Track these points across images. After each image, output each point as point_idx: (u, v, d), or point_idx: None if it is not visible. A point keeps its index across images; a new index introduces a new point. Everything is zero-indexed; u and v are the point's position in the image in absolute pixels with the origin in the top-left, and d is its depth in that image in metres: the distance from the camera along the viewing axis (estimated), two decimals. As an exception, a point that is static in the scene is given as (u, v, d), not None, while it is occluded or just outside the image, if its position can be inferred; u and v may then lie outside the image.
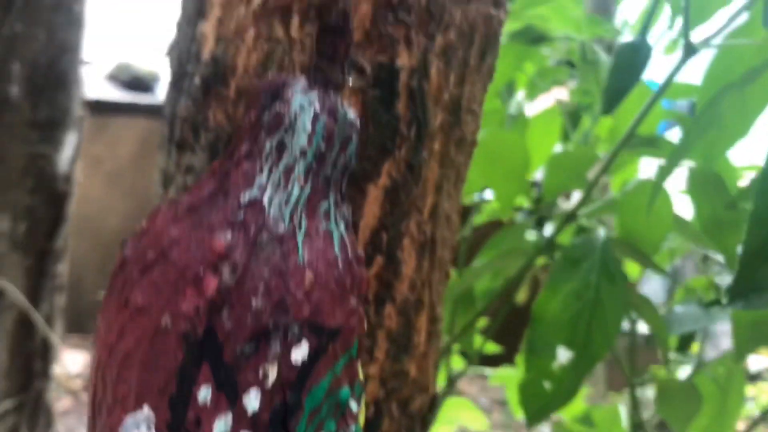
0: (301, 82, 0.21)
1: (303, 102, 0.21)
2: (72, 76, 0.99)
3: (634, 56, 0.51)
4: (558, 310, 0.47)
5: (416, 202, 0.30)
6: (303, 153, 0.21)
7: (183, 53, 0.31)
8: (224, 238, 0.19)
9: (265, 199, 0.20)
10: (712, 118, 0.55)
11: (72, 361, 2.16)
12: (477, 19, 0.30)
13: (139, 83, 2.33)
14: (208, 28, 0.29)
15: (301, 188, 0.20)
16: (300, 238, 0.20)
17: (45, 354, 1.06)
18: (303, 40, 0.27)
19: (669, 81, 0.56)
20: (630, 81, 0.51)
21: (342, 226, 0.21)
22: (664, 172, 0.57)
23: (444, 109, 0.30)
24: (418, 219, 0.30)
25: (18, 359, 1.03)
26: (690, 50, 0.51)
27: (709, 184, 0.60)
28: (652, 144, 0.72)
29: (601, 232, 0.53)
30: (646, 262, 0.63)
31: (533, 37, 0.75)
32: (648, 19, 0.52)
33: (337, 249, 0.21)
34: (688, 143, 0.56)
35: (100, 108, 2.22)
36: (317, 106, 0.21)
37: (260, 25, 0.28)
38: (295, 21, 0.27)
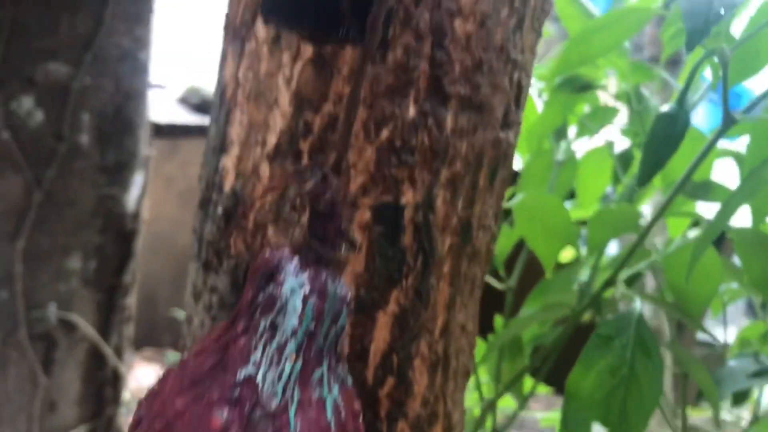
0: (294, 263, 0.23)
1: (294, 285, 0.22)
2: (138, 120, 1.05)
3: (671, 127, 0.50)
4: (592, 387, 0.47)
5: (426, 325, 0.31)
6: (294, 332, 0.22)
7: (210, 181, 0.33)
8: (221, 415, 0.21)
9: (259, 376, 0.22)
10: (758, 183, 0.54)
11: (145, 374, 2.25)
12: (485, 145, 0.31)
13: (208, 106, 2.40)
14: (228, 162, 0.31)
15: (293, 364, 0.22)
16: (292, 411, 0.21)
17: (115, 382, 1.12)
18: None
19: (712, 145, 0.55)
20: (667, 153, 0.51)
21: (336, 390, 0.23)
22: (707, 235, 0.56)
23: (453, 234, 0.31)
24: (429, 339, 0.31)
25: (90, 387, 1.09)
26: (729, 121, 0.50)
27: (758, 244, 0.59)
28: (707, 190, 0.70)
29: (638, 304, 0.53)
30: (695, 323, 0.62)
31: (580, 86, 0.75)
32: (686, 89, 0.51)
33: (330, 414, 0.22)
34: (733, 208, 0.55)
35: (171, 131, 2.30)
36: (307, 288, 0.23)
37: (274, 166, 0.29)
38: (306, 164, 0.29)
